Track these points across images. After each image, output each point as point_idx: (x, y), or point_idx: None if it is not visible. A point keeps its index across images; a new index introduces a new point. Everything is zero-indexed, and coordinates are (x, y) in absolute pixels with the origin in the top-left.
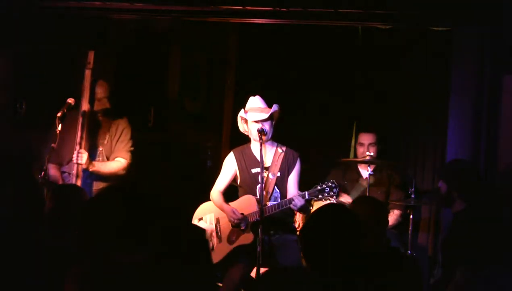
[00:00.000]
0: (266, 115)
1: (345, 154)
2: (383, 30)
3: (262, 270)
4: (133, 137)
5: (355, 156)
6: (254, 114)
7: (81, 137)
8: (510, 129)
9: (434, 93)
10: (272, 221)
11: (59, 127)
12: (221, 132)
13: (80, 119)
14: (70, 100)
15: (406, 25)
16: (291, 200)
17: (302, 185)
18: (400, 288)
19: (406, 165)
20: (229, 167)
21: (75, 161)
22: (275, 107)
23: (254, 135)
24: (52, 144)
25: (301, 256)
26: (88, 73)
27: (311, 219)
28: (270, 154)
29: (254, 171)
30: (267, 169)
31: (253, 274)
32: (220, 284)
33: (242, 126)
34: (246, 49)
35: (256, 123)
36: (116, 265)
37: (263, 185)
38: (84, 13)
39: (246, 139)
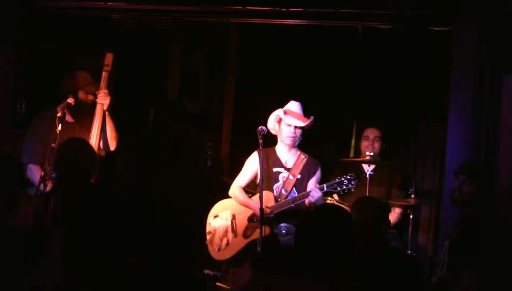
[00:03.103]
0: (303, 124)
1: (345, 154)
2: (383, 30)
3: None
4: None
5: (356, 154)
6: (292, 119)
7: (99, 137)
8: (510, 129)
9: (434, 93)
10: (286, 217)
11: (59, 127)
12: (221, 132)
13: (95, 120)
14: (70, 100)
15: (406, 25)
16: (308, 193)
17: None
18: (401, 288)
19: (406, 165)
20: (252, 165)
21: None
22: (312, 119)
23: (284, 136)
24: (52, 144)
25: None
26: (105, 75)
27: (305, 222)
28: (293, 158)
29: (275, 169)
30: (288, 170)
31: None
32: (221, 285)
33: (273, 124)
34: (246, 49)
35: (289, 127)
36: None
37: (283, 184)
38: (84, 13)
39: (246, 139)
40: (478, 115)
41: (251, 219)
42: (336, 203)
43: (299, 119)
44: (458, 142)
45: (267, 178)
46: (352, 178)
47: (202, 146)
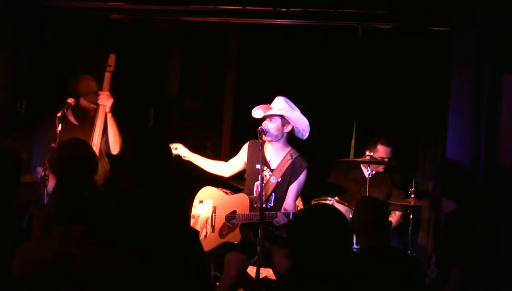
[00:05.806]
0: (260, 114)
1: (345, 154)
2: (383, 30)
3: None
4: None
5: (356, 155)
6: (254, 110)
7: (101, 140)
8: (510, 129)
9: (434, 93)
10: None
11: (59, 128)
12: (221, 132)
13: (97, 122)
14: (70, 100)
15: (406, 25)
16: (276, 215)
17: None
18: (401, 288)
19: (406, 165)
20: (241, 155)
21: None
22: (275, 111)
23: None
24: (52, 145)
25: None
26: (108, 75)
27: (298, 218)
28: (278, 157)
29: (258, 167)
30: (272, 170)
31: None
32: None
33: None
34: (246, 49)
35: (264, 121)
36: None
37: (263, 185)
38: (84, 13)
39: (246, 139)
40: (478, 115)
41: (228, 218)
42: (336, 203)
43: (262, 109)
44: (458, 143)
45: (249, 173)
46: None
47: (202, 145)
